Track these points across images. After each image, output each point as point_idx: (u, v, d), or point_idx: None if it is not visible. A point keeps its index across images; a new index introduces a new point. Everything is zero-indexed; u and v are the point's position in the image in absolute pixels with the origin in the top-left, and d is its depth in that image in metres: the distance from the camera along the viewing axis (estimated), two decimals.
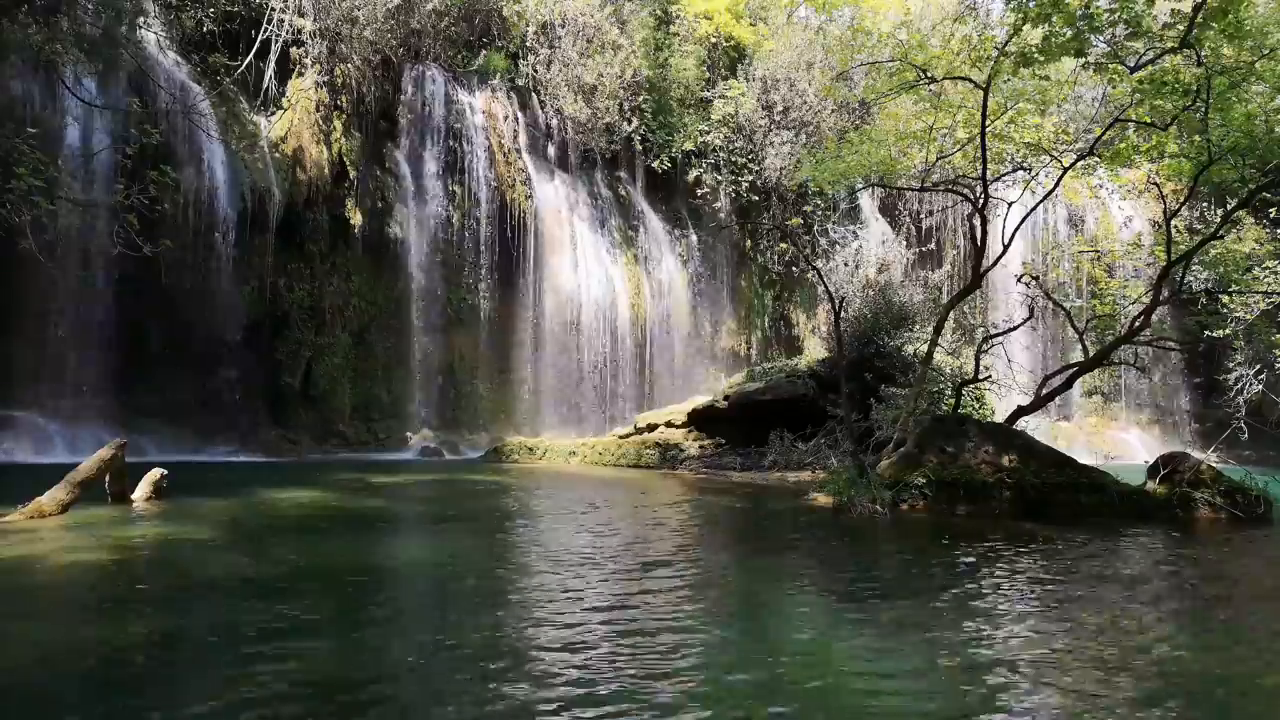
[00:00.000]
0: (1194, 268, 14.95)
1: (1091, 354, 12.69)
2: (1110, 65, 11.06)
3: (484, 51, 24.04)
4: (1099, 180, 15.36)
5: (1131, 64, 10.79)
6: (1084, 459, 11.90)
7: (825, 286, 13.81)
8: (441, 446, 20.09)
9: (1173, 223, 12.40)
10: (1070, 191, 17.00)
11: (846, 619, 4.79)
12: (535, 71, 24.39)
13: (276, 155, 19.35)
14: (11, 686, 3.51)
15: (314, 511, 9.21)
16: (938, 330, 12.76)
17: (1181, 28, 9.93)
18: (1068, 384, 13.10)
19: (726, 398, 17.93)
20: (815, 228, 27.48)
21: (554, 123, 24.65)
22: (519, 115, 24.01)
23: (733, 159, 26.56)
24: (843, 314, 13.96)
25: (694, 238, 26.93)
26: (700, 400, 18.99)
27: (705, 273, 26.94)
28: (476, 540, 7.62)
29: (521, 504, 10.58)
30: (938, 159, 13.90)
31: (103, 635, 4.22)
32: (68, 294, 16.39)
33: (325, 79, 20.47)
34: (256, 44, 19.51)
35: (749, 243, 27.81)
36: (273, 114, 19.98)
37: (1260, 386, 21.94)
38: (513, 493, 11.70)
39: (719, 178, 26.55)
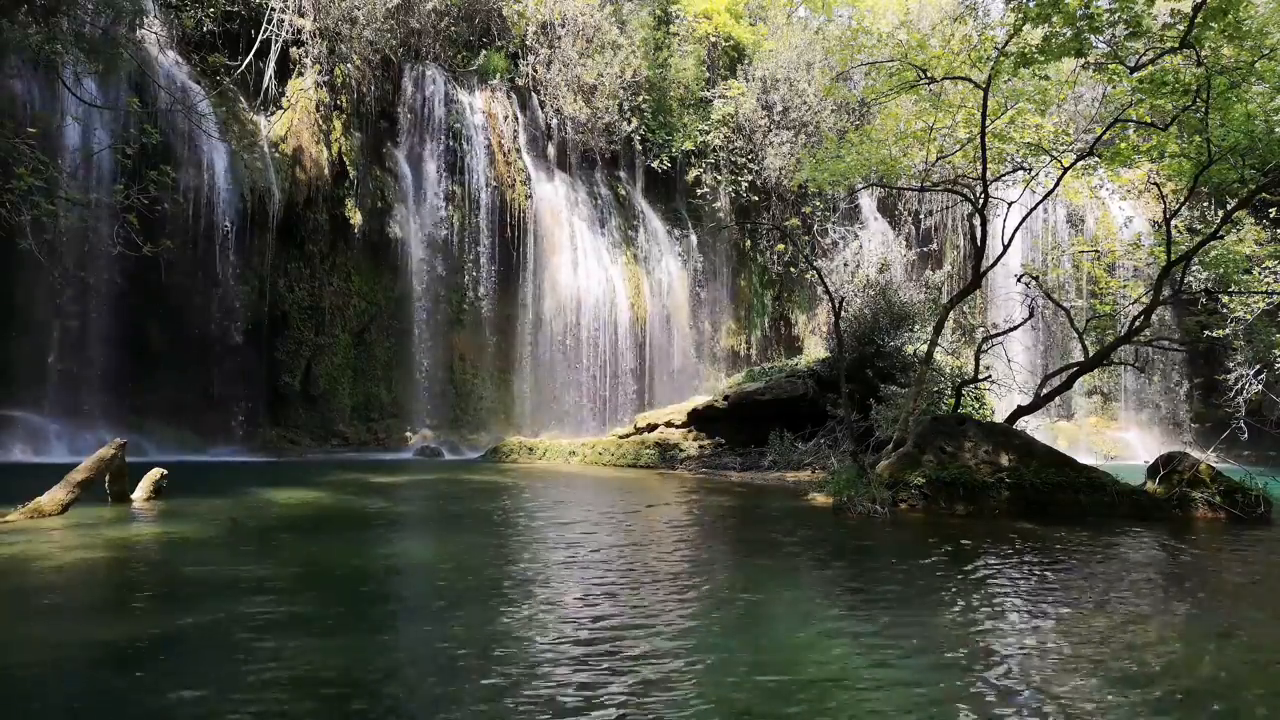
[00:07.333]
0: (1194, 268, 14.95)
1: (1091, 354, 12.69)
2: (1110, 65, 11.07)
3: (484, 51, 24.04)
4: (1099, 180, 15.37)
5: (1131, 64, 10.79)
6: (1084, 459, 11.90)
7: (825, 286, 13.81)
8: (441, 446, 20.11)
9: (1173, 223, 12.40)
10: (1070, 191, 16.99)
11: (844, 619, 4.79)
12: (535, 71, 24.40)
13: (276, 155, 19.36)
14: (10, 686, 3.51)
15: (313, 511, 9.22)
16: (938, 330, 12.75)
17: (1181, 28, 9.94)
18: (1068, 384, 13.09)
19: (726, 398, 17.93)
20: (815, 228, 27.49)
21: (554, 123, 24.66)
22: (519, 115, 24.02)
23: (732, 159, 26.57)
24: (843, 314, 13.95)
25: (694, 238, 26.94)
26: (700, 400, 18.99)
27: (705, 273, 26.96)
28: (475, 540, 7.62)
29: (521, 504, 10.58)
30: (938, 159, 13.90)
31: (103, 635, 4.22)
32: (68, 294, 16.41)
33: (325, 79, 20.48)
34: (256, 44, 19.52)
35: (749, 243, 27.82)
36: (273, 114, 19.99)
37: (1260, 386, 21.94)
38: (512, 493, 11.70)
39: (719, 178, 26.56)
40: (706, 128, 26.42)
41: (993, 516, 9.17)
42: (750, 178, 26.55)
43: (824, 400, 16.26)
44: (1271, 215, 19.43)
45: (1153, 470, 10.22)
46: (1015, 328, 13.95)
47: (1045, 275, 21.59)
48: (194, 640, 4.15)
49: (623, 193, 26.18)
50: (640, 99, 25.55)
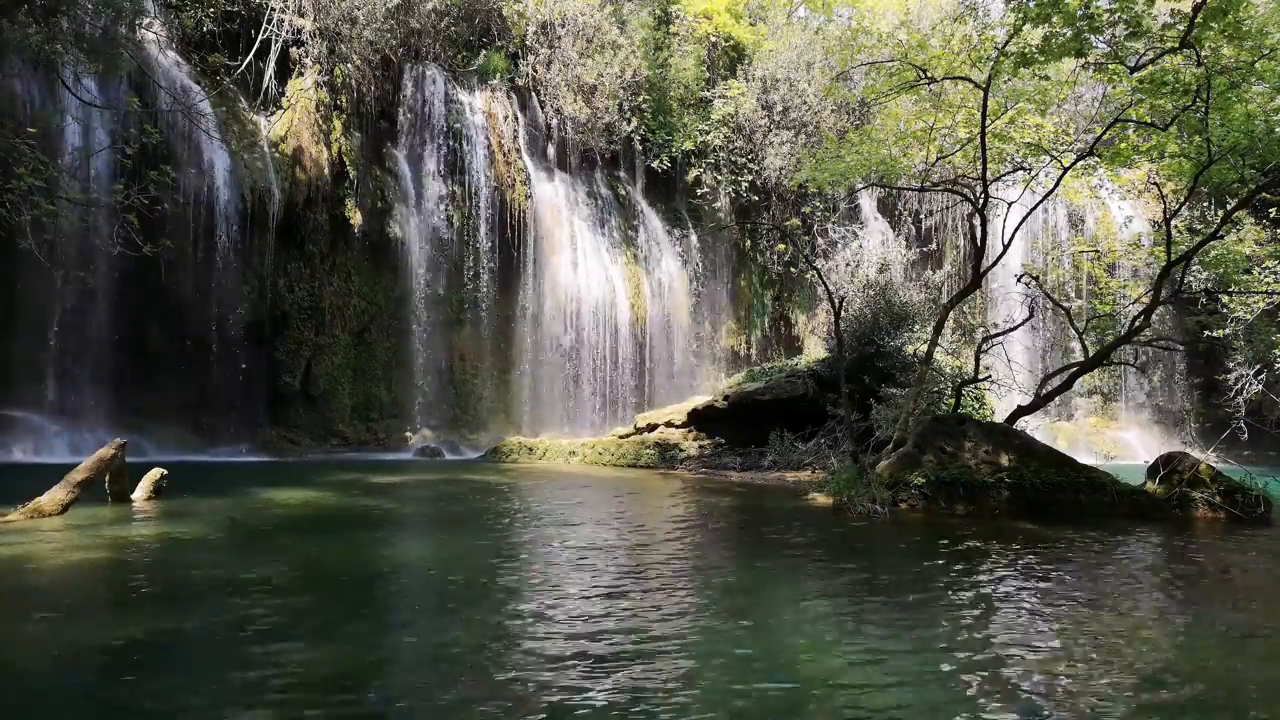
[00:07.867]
0: (1194, 268, 14.95)
1: (1091, 354, 12.69)
2: (1110, 65, 11.07)
3: (484, 51, 24.04)
4: (1099, 180, 15.36)
5: (1131, 64, 10.79)
6: (1084, 459, 11.90)
7: (825, 286, 13.81)
8: (441, 446, 20.11)
9: (1173, 223, 12.40)
10: (1070, 191, 16.98)
11: (846, 620, 4.79)
12: (535, 71, 24.40)
13: (276, 155, 19.36)
14: (11, 686, 3.51)
15: (314, 511, 9.22)
16: (938, 330, 12.75)
17: (1181, 28, 9.94)
18: (1068, 384, 13.09)
19: (726, 398, 17.93)
20: (815, 228, 27.48)
21: (554, 123, 24.66)
22: (519, 115, 24.02)
23: (732, 159, 26.57)
24: (843, 314, 13.95)
25: (694, 238, 26.94)
26: (700, 400, 18.99)
27: (705, 273, 26.95)
28: (476, 540, 7.62)
29: (520, 504, 10.58)
30: (938, 159, 13.90)
31: (102, 635, 4.22)
32: (68, 294, 16.41)
33: (325, 79, 20.48)
34: (256, 44, 19.52)
35: (749, 243, 27.82)
36: (273, 114, 19.99)
37: (1260, 386, 21.94)
38: (512, 493, 11.70)
39: (719, 178, 26.55)
40: (706, 128, 26.41)
41: (993, 516, 9.17)
42: (750, 178, 26.54)
43: (824, 400, 16.25)
44: (1271, 215, 19.43)
45: (1153, 470, 10.21)
46: (1015, 328, 13.95)
47: (1045, 275, 21.59)
48: (194, 641, 4.15)
49: (623, 193, 26.18)
50: (640, 99, 25.54)
